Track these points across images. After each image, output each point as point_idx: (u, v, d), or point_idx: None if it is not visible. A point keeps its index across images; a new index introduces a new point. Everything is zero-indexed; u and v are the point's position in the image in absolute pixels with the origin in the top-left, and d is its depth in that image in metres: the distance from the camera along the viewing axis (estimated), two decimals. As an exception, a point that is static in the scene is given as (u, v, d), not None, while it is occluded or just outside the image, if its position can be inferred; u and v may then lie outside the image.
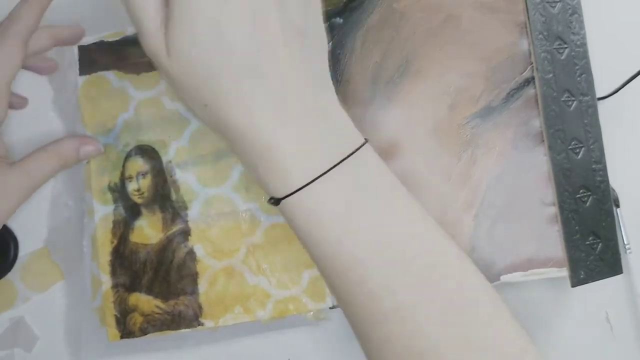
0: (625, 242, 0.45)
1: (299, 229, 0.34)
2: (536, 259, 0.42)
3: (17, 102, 0.45)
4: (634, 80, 0.45)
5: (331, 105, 0.34)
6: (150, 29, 0.32)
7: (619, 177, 0.44)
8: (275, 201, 0.33)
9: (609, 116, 0.44)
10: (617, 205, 0.45)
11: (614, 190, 0.45)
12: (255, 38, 0.31)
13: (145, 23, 0.32)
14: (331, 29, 0.45)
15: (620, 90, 0.46)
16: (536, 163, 0.43)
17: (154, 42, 0.32)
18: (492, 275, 0.42)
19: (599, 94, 0.44)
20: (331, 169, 0.32)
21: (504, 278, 0.42)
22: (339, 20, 0.45)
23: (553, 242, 0.42)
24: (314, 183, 0.32)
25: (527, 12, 0.43)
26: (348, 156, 0.33)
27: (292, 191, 0.32)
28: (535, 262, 0.42)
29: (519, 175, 0.43)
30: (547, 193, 0.43)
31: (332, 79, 0.41)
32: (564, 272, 0.42)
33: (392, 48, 0.44)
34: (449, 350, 0.32)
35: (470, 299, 0.33)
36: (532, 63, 0.43)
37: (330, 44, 0.45)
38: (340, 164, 0.32)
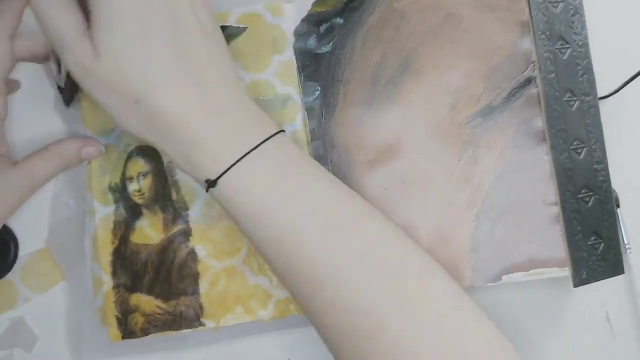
0: (626, 242, 0.45)
1: (235, 208, 0.36)
2: (538, 259, 0.42)
3: (9, 87, 0.45)
4: (634, 81, 0.45)
5: (245, 96, 0.38)
6: (76, 38, 0.34)
7: (619, 178, 0.44)
8: (212, 182, 0.36)
9: (609, 116, 0.44)
10: (617, 206, 0.45)
11: (614, 191, 0.44)
12: (174, 30, 0.35)
13: (68, 35, 0.34)
14: (331, 29, 0.45)
15: (620, 91, 0.45)
16: (538, 162, 0.43)
17: (80, 48, 0.34)
18: (494, 275, 0.42)
19: (599, 94, 0.44)
20: (259, 144, 0.36)
21: (506, 278, 0.42)
22: (339, 20, 0.45)
23: (555, 241, 0.42)
24: (243, 160, 0.35)
25: (530, 12, 0.43)
26: (273, 135, 0.36)
27: (224, 169, 0.35)
28: (537, 262, 0.42)
29: (520, 175, 0.43)
30: (548, 192, 0.43)
31: (332, 79, 0.41)
32: (566, 272, 0.42)
33: (392, 48, 0.44)
34: (383, 305, 0.35)
35: (398, 252, 0.37)
36: (533, 62, 0.43)
37: (331, 44, 0.45)
38: (265, 142, 0.36)
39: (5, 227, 0.45)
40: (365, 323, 0.35)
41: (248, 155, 0.36)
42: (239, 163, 0.35)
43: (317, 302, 0.36)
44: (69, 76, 0.40)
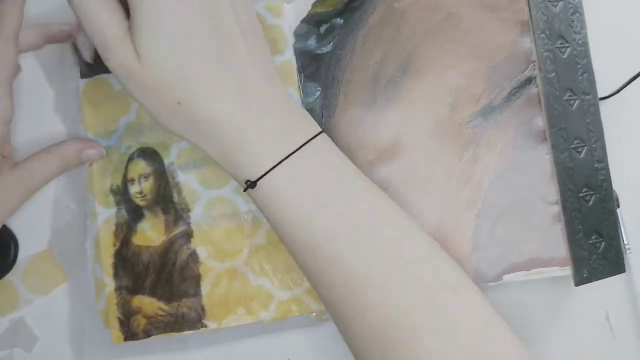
0: (625, 242, 0.45)
1: (273, 210, 0.36)
2: (539, 258, 0.42)
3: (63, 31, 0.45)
4: (634, 82, 0.45)
5: (286, 95, 0.38)
6: (117, 40, 0.34)
7: (619, 178, 0.44)
8: (252, 184, 0.36)
9: (610, 117, 0.44)
10: (617, 206, 0.45)
11: (614, 191, 0.44)
12: (216, 31, 0.35)
13: (110, 36, 0.34)
14: (332, 30, 0.45)
15: (621, 92, 0.46)
16: (538, 161, 0.43)
17: (123, 51, 0.34)
18: (494, 274, 0.42)
19: (599, 95, 0.44)
20: (300, 147, 0.35)
21: (507, 277, 0.42)
22: (339, 20, 0.45)
23: (556, 241, 0.42)
24: (283, 163, 0.35)
25: (530, 11, 0.43)
26: (313, 137, 0.36)
27: (265, 172, 0.35)
28: (538, 262, 0.42)
29: (520, 174, 0.43)
30: (549, 192, 0.43)
31: (333, 79, 0.42)
32: (567, 271, 0.42)
33: (393, 48, 0.44)
34: (416, 317, 0.35)
35: (434, 265, 0.36)
36: (533, 61, 0.43)
37: (331, 44, 0.45)
38: (305, 145, 0.36)
39: (5, 227, 0.45)
40: (395, 334, 0.34)
41: (288, 158, 0.35)
42: (279, 166, 0.35)
43: (348, 309, 0.36)
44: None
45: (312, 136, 0.36)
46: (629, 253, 0.45)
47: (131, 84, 0.35)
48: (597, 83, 0.43)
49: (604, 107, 0.44)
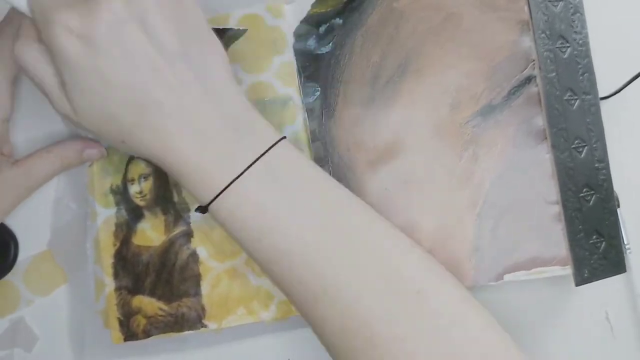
0: (626, 242, 0.45)
1: (228, 230, 0.36)
2: (540, 258, 0.42)
3: None
4: (635, 82, 0.45)
5: (240, 109, 0.36)
6: (55, 95, 0.36)
7: (619, 178, 0.44)
8: (203, 209, 0.36)
9: (610, 117, 0.44)
10: (617, 205, 0.45)
11: (615, 191, 0.44)
12: (138, 72, 0.34)
13: (48, 87, 0.36)
14: (331, 30, 0.45)
15: (622, 91, 0.45)
16: (538, 161, 0.43)
17: (61, 105, 0.36)
18: (495, 274, 0.42)
19: (600, 94, 0.44)
20: (245, 170, 0.35)
21: (508, 277, 0.42)
22: (338, 20, 0.45)
23: (556, 240, 0.42)
24: (233, 185, 0.35)
25: (530, 11, 0.43)
26: (260, 156, 0.35)
27: (213, 197, 0.35)
28: (539, 261, 0.42)
29: (521, 174, 0.43)
30: (549, 191, 0.42)
31: (332, 79, 0.41)
32: (567, 271, 0.42)
33: (392, 48, 0.44)
34: (382, 323, 0.34)
35: (395, 268, 0.35)
36: (533, 61, 0.43)
37: (331, 44, 0.45)
38: (256, 162, 0.35)
39: (5, 227, 0.45)
40: (357, 341, 0.34)
41: (240, 178, 0.35)
42: (230, 187, 0.35)
43: (316, 313, 0.36)
44: None
45: (262, 152, 0.35)
46: (629, 253, 0.45)
47: (77, 126, 0.37)
48: (597, 83, 0.43)
49: (604, 107, 0.44)
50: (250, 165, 0.35)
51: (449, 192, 0.43)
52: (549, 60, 0.43)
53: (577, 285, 0.42)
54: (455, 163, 0.43)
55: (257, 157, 0.35)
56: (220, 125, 0.35)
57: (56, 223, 0.46)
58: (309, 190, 0.36)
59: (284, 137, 0.37)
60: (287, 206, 0.35)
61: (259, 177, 0.35)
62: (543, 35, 0.43)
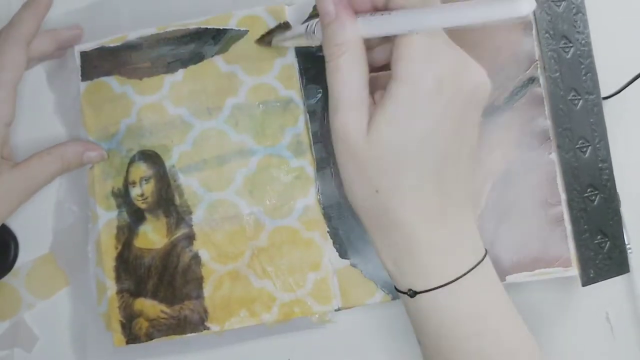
0: (627, 242, 0.44)
1: (429, 321, 0.35)
2: (542, 259, 0.42)
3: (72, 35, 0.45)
4: (637, 81, 0.45)
5: (469, 216, 0.36)
6: (352, 105, 0.33)
7: (620, 177, 0.44)
8: (412, 294, 0.35)
9: (612, 116, 0.44)
10: (618, 205, 0.45)
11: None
12: (455, 143, 0.33)
13: (347, 99, 0.33)
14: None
15: (623, 91, 0.45)
16: (541, 162, 0.42)
17: (352, 117, 0.33)
18: (498, 275, 0.42)
19: (602, 94, 0.43)
20: (468, 271, 0.34)
21: (510, 278, 0.42)
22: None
23: (558, 241, 0.42)
24: (458, 280, 0.34)
25: (534, 11, 0.42)
26: (480, 262, 0.35)
27: (431, 288, 0.34)
28: (542, 262, 0.42)
29: (523, 175, 0.42)
30: (551, 193, 0.42)
31: None
32: (570, 272, 0.42)
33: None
34: None
35: None
36: (536, 61, 0.42)
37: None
38: (479, 264, 0.35)
39: (5, 227, 0.45)
40: None
41: (466, 275, 0.34)
42: (456, 281, 0.34)
43: None
44: None
45: (481, 258, 0.35)
46: (630, 253, 0.45)
47: (340, 146, 0.34)
48: (599, 82, 0.43)
49: (607, 107, 0.44)
50: (472, 268, 0.35)
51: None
52: (552, 60, 0.42)
53: (583, 285, 0.41)
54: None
55: (475, 263, 0.35)
56: (458, 225, 0.35)
57: (58, 226, 0.46)
58: (509, 299, 0.37)
59: (487, 251, 0.36)
60: (501, 312, 0.36)
61: (480, 278, 0.35)
62: (547, 35, 0.42)
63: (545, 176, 0.42)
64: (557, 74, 0.42)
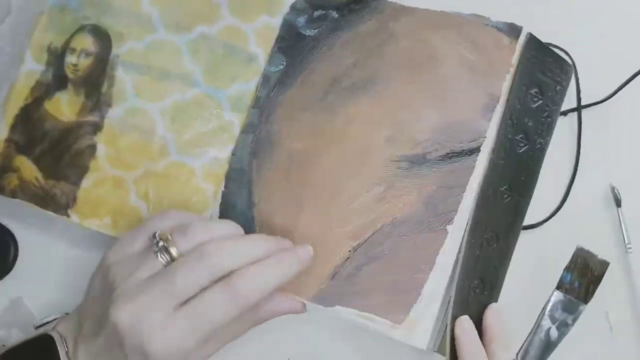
0: (626, 242, 0.44)
1: None
2: (381, 310, 0.40)
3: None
4: (630, 83, 0.45)
5: None
6: None
7: (620, 177, 0.45)
8: None
9: (611, 117, 0.46)
10: (619, 205, 0.45)
11: (616, 191, 0.45)
12: None
13: None
14: (324, 18, 0.45)
15: (617, 94, 0.46)
16: (436, 233, 0.40)
17: None
18: (332, 301, 0.40)
19: (599, 96, 0.45)
20: None
21: (339, 308, 0.40)
22: (334, 13, 0.45)
23: (405, 303, 0.39)
24: None
25: (510, 93, 0.41)
26: None
27: None
28: (377, 311, 0.40)
29: (415, 233, 0.41)
30: (427, 261, 0.40)
31: (300, 62, 0.42)
32: (393, 332, 0.39)
33: (368, 61, 0.43)
34: None
35: None
36: (485, 138, 0.41)
37: (317, 31, 0.45)
38: None
39: (5, 228, 0.46)
40: None
41: None
42: None
43: None
44: None
45: None
46: (630, 253, 0.44)
47: None
48: (593, 86, 0.45)
49: (604, 109, 0.45)
50: None
51: (342, 215, 0.41)
52: (503, 148, 0.41)
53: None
54: (360, 192, 0.41)
55: None
56: None
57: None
58: None
59: None
60: None
61: None
62: (509, 121, 0.41)
63: (431, 247, 0.40)
64: (502, 162, 0.41)
